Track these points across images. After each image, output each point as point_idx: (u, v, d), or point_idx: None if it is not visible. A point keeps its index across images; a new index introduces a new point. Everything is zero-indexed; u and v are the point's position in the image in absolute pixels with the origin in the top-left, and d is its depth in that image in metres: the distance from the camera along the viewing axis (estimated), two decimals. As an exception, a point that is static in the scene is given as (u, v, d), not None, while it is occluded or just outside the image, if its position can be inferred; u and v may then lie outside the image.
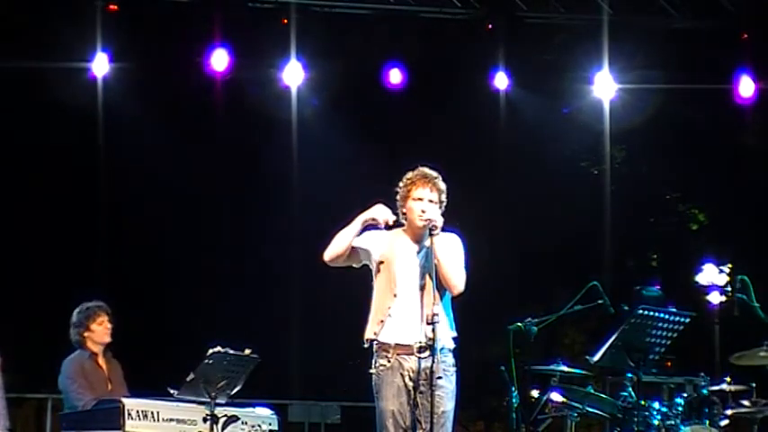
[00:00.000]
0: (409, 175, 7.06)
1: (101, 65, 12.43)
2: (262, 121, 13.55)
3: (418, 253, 6.96)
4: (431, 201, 6.95)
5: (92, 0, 12.15)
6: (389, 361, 6.86)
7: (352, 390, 13.21)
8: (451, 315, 6.98)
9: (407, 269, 6.91)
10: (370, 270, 7.05)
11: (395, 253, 6.98)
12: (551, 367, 8.64)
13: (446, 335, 6.90)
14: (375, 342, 6.93)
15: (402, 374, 6.82)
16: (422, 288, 6.83)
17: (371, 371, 6.93)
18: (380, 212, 6.96)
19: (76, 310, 8.76)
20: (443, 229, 6.93)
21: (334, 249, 7.03)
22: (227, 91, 12.75)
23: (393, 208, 7.04)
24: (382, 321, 6.89)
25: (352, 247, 7.02)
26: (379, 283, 6.98)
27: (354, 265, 7.12)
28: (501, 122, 13.20)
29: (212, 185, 13.88)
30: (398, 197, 7.07)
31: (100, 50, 12.35)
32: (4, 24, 11.94)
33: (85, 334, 8.66)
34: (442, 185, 7.03)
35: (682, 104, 13.33)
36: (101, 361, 8.70)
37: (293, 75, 12.81)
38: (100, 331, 8.69)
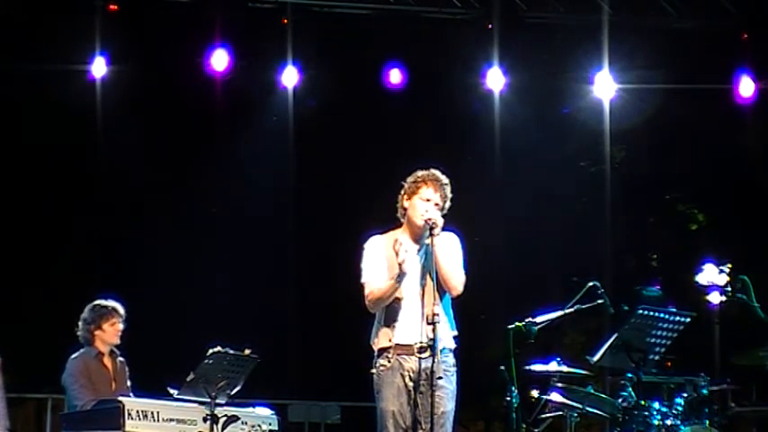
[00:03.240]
0: (421, 173, 7.06)
1: (100, 67, 12.43)
2: (261, 121, 13.56)
3: (418, 252, 6.96)
4: (436, 204, 6.96)
5: (92, 0, 12.16)
6: (389, 361, 6.86)
7: (352, 390, 13.22)
8: (452, 314, 6.99)
9: (409, 270, 6.91)
10: None
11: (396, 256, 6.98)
12: (551, 367, 8.63)
13: (447, 334, 6.91)
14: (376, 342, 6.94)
15: (402, 375, 6.82)
16: (422, 288, 6.83)
17: (372, 371, 6.93)
18: (401, 254, 6.80)
19: (89, 306, 8.74)
20: (442, 228, 6.93)
21: (381, 303, 6.90)
22: (226, 91, 12.75)
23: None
24: (396, 327, 6.89)
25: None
26: None
27: None
28: (500, 122, 13.20)
29: (211, 186, 13.88)
30: (403, 191, 7.06)
31: (99, 52, 12.36)
32: (3, 26, 11.93)
33: (96, 332, 8.66)
34: (449, 194, 7.05)
35: (682, 104, 13.32)
36: (106, 361, 8.69)
37: (291, 75, 12.83)
38: (111, 332, 8.69)
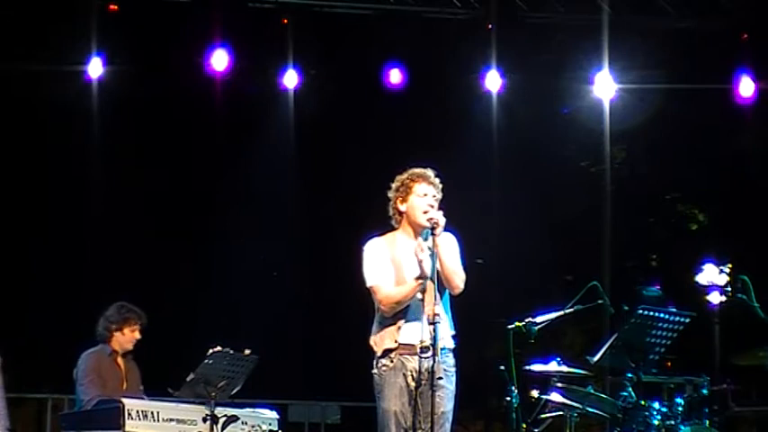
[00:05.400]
0: (404, 175, 7.09)
1: (96, 67, 12.41)
2: (261, 122, 13.56)
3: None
4: (434, 197, 6.98)
5: (92, 0, 12.16)
6: (392, 361, 6.86)
7: (352, 390, 13.22)
8: (450, 313, 7.00)
9: (412, 271, 6.92)
10: None
11: (401, 257, 6.98)
12: (551, 367, 8.62)
13: (447, 334, 6.92)
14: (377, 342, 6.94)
15: (405, 375, 6.83)
16: (424, 287, 6.84)
17: (373, 371, 6.93)
18: (420, 255, 6.82)
19: (117, 305, 8.76)
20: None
21: (400, 306, 6.90)
22: (226, 91, 12.75)
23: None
24: (400, 328, 6.90)
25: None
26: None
27: None
28: (500, 122, 13.20)
29: (211, 186, 13.89)
30: (396, 197, 7.07)
31: (98, 51, 12.34)
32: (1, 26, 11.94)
33: (115, 333, 8.69)
34: (439, 183, 7.07)
35: (682, 104, 13.31)
36: (119, 361, 8.73)
37: (292, 75, 12.83)
38: (128, 337, 8.73)
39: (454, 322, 7.02)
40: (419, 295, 6.85)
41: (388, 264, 6.96)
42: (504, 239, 13.53)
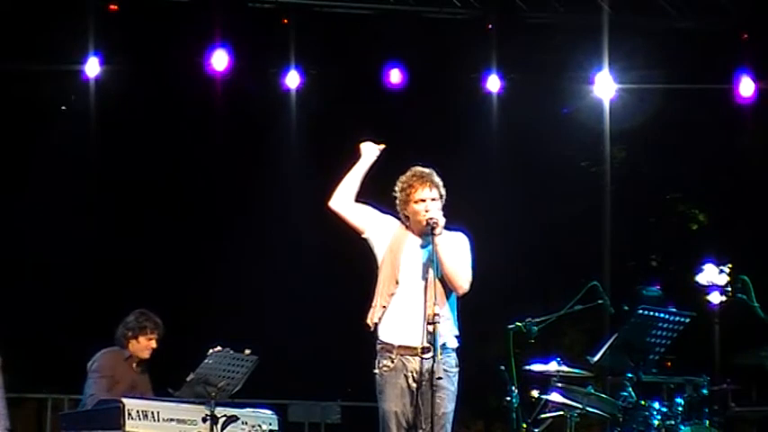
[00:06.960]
0: (403, 178, 7.10)
1: (94, 66, 12.39)
2: (262, 122, 13.55)
3: (422, 250, 6.97)
4: (433, 199, 6.97)
5: (92, 0, 12.16)
6: (393, 362, 6.87)
7: (352, 390, 13.22)
8: (455, 313, 6.99)
9: (411, 263, 6.94)
10: (375, 257, 7.08)
11: (402, 244, 7.01)
12: (551, 367, 8.62)
13: (449, 333, 6.91)
14: (378, 342, 6.94)
15: (406, 375, 6.84)
16: (424, 287, 6.84)
17: (375, 371, 6.93)
18: (368, 150, 7.31)
19: (137, 312, 8.81)
20: (450, 228, 6.94)
21: (341, 190, 7.28)
22: (226, 91, 12.75)
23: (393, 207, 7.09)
24: (384, 307, 6.91)
25: (365, 212, 7.09)
26: (383, 271, 6.99)
27: (359, 227, 7.13)
28: (500, 122, 13.20)
29: (210, 187, 13.88)
30: (398, 201, 7.09)
31: (95, 51, 12.33)
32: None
33: (131, 341, 8.74)
34: (438, 180, 7.06)
35: (682, 104, 13.32)
36: (135, 367, 8.74)
37: (293, 75, 12.84)
38: (144, 345, 8.77)
39: (459, 322, 7.02)
40: (403, 293, 6.88)
41: (386, 232, 7.03)
42: (504, 239, 13.53)
